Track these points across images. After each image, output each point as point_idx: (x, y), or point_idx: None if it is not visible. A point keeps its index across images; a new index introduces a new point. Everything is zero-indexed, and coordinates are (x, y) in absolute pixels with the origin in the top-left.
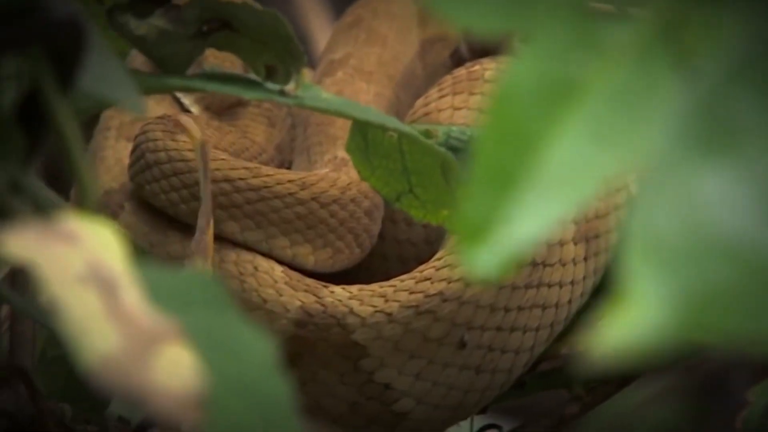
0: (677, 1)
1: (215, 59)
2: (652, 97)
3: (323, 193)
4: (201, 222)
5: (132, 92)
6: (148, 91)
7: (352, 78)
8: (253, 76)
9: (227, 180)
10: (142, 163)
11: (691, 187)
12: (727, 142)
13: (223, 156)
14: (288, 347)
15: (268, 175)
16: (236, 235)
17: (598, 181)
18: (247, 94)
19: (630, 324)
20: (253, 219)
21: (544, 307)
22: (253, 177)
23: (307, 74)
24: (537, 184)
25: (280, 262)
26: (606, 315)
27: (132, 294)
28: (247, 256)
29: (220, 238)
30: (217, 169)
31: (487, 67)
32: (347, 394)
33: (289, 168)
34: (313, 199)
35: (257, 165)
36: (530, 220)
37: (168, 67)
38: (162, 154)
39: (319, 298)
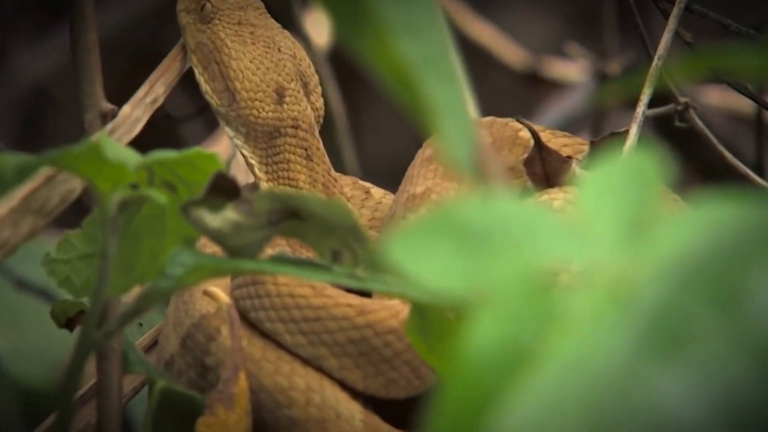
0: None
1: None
2: (606, 360)
3: (380, 322)
4: (225, 374)
5: None
6: (225, 273)
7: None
8: (319, 259)
9: (291, 295)
10: (251, 290)
11: (651, 389)
12: (680, 349)
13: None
14: None
15: (328, 296)
16: (290, 348)
17: None
18: (318, 277)
19: None
20: (307, 336)
21: None
22: (314, 296)
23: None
24: None
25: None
26: None
27: None
28: (331, 401)
29: (319, 380)
30: (285, 284)
31: (555, 198)
32: None
33: None
34: (368, 326)
35: (324, 285)
36: None
37: (240, 255)
38: (271, 287)
39: None
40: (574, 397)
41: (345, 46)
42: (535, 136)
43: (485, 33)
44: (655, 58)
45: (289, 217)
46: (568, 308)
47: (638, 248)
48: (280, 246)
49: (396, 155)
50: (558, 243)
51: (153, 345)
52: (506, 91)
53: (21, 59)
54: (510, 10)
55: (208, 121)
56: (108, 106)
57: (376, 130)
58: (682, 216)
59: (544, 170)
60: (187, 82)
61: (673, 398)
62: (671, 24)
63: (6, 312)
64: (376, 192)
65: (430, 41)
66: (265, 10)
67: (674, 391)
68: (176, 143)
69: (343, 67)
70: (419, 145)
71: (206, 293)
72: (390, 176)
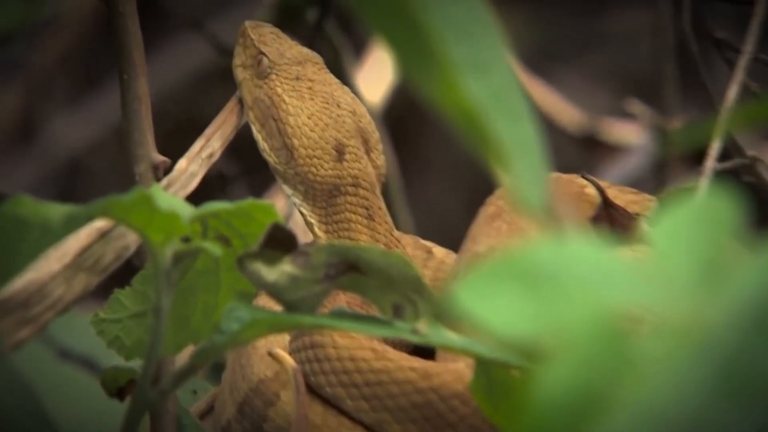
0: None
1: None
2: (679, 403)
3: (444, 386)
4: None
5: None
6: (282, 329)
7: None
8: (380, 315)
9: (351, 359)
10: (310, 354)
11: None
12: (753, 392)
13: (353, 336)
14: None
15: (390, 360)
16: (352, 413)
17: None
18: (379, 332)
19: None
20: (369, 402)
21: None
22: (376, 359)
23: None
24: None
25: None
26: None
27: None
28: None
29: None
30: (345, 348)
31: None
32: None
33: None
34: (432, 390)
35: (385, 348)
36: None
37: (298, 310)
38: (331, 351)
39: None
40: None
41: (411, 86)
42: (601, 192)
43: (541, 95)
44: (723, 109)
45: (348, 270)
46: (642, 352)
47: (712, 292)
48: (339, 305)
49: (446, 221)
50: (631, 286)
51: (208, 411)
52: (563, 155)
53: (56, 129)
54: (566, 73)
55: (253, 185)
56: (159, 157)
57: (426, 194)
58: (754, 260)
59: (612, 227)
60: (233, 142)
61: None
62: (739, 75)
63: (48, 383)
64: (438, 251)
65: (498, 79)
66: (324, 65)
67: None
68: None
69: (396, 128)
70: (470, 212)
71: (271, 355)
72: (439, 242)
